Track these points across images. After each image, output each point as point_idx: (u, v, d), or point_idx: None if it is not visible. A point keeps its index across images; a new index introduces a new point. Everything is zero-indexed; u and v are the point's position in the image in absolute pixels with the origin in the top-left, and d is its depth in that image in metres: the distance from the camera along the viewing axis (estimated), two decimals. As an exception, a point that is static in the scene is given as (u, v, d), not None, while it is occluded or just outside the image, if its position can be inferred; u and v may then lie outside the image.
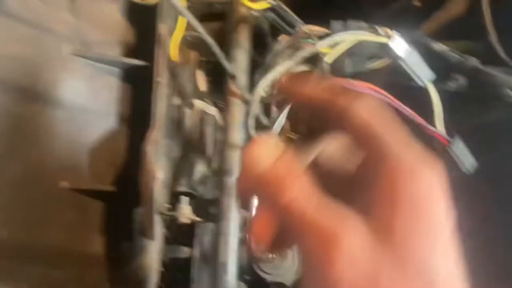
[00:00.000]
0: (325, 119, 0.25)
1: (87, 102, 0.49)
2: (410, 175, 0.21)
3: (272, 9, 0.51)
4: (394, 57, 0.49)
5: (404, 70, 0.52)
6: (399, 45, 0.49)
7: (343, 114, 0.23)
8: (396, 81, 0.54)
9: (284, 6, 0.51)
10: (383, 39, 0.48)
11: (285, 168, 0.23)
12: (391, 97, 0.53)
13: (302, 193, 0.22)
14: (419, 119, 0.52)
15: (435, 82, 0.55)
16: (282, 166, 0.23)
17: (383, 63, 0.58)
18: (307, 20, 0.66)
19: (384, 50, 0.52)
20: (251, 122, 0.53)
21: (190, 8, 0.76)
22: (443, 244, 0.21)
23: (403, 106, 0.52)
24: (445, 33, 0.74)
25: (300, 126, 0.27)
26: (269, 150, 0.23)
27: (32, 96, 0.45)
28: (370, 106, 0.23)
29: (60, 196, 0.46)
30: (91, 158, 0.49)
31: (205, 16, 0.82)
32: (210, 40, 0.49)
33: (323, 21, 0.62)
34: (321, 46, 0.52)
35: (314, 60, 0.56)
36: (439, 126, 0.53)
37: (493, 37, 0.58)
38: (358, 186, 0.23)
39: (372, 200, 0.22)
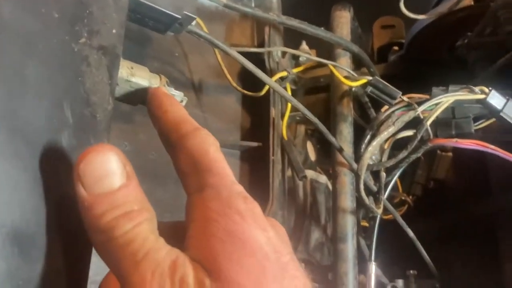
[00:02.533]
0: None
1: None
2: (222, 208, 0.22)
3: (372, 85, 0.54)
4: (494, 111, 0.49)
5: (507, 122, 0.51)
6: (496, 99, 0.48)
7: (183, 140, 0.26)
8: (502, 138, 0.53)
9: (381, 80, 0.54)
10: (479, 96, 0.48)
11: (135, 196, 0.23)
12: (499, 149, 0.52)
13: (145, 226, 0.22)
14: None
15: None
16: (133, 192, 0.23)
17: (488, 122, 0.57)
18: (416, 84, 0.67)
19: (485, 107, 0.51)
20: (362, 187, 0.55)
21: (298, 87, 0.83)
22: (272, 272, 0.21)
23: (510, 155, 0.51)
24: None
25: None
26: (114, 166, 0.23)
27: (171, 181, 0.53)
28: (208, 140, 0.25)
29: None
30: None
31: (312, 89, 0.88)
32: (315, 119, 0.53)
33: (429, 82, 0.63)
34: (421, 110, 0.54)
35: (416, 123, 0.57)
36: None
37: None
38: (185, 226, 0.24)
39: (190, 235, 0.22)
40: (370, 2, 0.99)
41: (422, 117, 0.54)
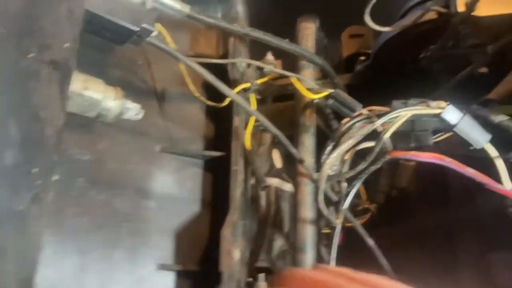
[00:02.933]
0: None
1: (174, 192, 0.56)
2: None
3: (333, 97, 0.54)
4: (449, 126, 0.50)
5: (462, 139, 0.52)
6: (452, 114, 0.49)
7: None
8: (458, 151, 0.54)
9: (342, 93, 0.55)
10: (435, 111, 0.50)
11: None
12: (455, 162, 0.53)
13: None
14: (487, 179, 0.51)
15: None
16: None
17: (447, 135, 0.59)
18: (381, 94, 0.68)
19: (441, 122, 0.53)
20: (321, 198, 0.55)
21: (266, 95, 0.83)
22: None
23: (468, 169, 0.52)
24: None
25: None
26: None
27: (130, 191, 0.52)
28: None
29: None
30: (179, 241, 0.54)
31: (281, 97, 0.88)
32: (276, 131, 0.53)
33: (393, 93, 0.64)
34: (379, 123, 0.55)
35: (375, 136, 0.58)
36: (506, 183, 0.51)
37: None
38: None
39: None
40: (341, 11, 1.00)
41: (381, 129, 0.55)
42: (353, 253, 0.72)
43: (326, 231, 0.69)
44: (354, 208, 0.77)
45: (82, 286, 0.46)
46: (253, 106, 0.58)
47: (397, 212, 0.80)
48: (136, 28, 0.39)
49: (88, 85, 0.37)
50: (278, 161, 0.77)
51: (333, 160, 0.55)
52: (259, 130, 0.67)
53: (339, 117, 0.63)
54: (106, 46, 0.53)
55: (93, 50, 0.52)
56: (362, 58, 0.89)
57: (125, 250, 0.50)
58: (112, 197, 0.50)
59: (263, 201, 0.65)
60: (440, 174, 0.74)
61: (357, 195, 0.78)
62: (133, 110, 0.42)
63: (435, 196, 0.77)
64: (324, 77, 0.81)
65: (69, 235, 0.47)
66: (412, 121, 0.59)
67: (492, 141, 0.54)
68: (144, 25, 0.40)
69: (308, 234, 0.55)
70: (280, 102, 0.88)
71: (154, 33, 0.43)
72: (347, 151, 0.59)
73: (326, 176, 0.54)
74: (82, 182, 0.49)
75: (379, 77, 0.85)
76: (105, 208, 0.50)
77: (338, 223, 0.56)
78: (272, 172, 0.73)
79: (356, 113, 0.57)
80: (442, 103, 0.54)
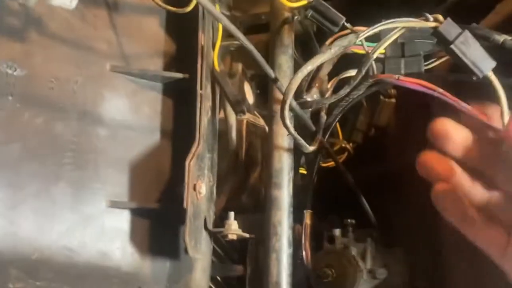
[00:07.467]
0: None
1: (129, 119, 0.47)
2: None
3: (313, 7, 0.46)
4: (444, 42, 0.42)
5: (461, 62, 0.44)
6: (450, 29, 0.41)
7: None
8: (456, 78, 0.47)
9: (324, 3, 0.46)
10: (431, 24, 0.41)
11: None
12: (447, 94, 0.45)
13: None
14: (480, 116, 0.44)
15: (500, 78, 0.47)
16: None
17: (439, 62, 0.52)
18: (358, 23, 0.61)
19: (436, 37, 0.45)
20: (287, 114, 0.46)
21: (237, 20, 0.74)
22: None
23: (461, 102, 0.45)
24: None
25: None
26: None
27: (74, 115, 0.43)
28: None
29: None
30: (135, 175, 0.46)
31: (251, 28, 0.79)
32: (250, 46, 0.44)
33: (381, 15, 0.57)
34: (363, 36, 0.46)
35: (361, 61, 0.50)
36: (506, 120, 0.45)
37: None
38: None
39: None
40: None
41: (366, 48, 0.47)
42: (328, 195, 0.66)
43: (303, 171, 0.63)
44: (330, 147, 0.71)
45: (14, 226, 0.38)
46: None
47: (375, 152, 0.74)
48: None
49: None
50: (250, 96, 0.69)
51: (306, 71, 0.45)
52: (228, 55, 0.59)
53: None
54: None
55: None
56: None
57: (68, 184, 0.41)
58: (52, 121, 0.41)
59: (233, 135, 0.57)
60: (424, 112, 0.68)
61: (334, 133, 0.73)
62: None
63: (417, 136, 0.71)
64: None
65: (-3, 165, 0.38)
66: (402, 45, 0.52)
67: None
68: None
69: (284, 168, 0.48)
70: (252, 34, 0.80)
71: None
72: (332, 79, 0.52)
73: (295, 88, 0.45)
74: (12, 101, 0.39)
75: (363, 5, 0.77)
76: (43, 134, 0.41)
77: (310, 149, 0.49)
78: (244, 106, 0.65)
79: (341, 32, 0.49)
80: (440, 17, 0.46)
